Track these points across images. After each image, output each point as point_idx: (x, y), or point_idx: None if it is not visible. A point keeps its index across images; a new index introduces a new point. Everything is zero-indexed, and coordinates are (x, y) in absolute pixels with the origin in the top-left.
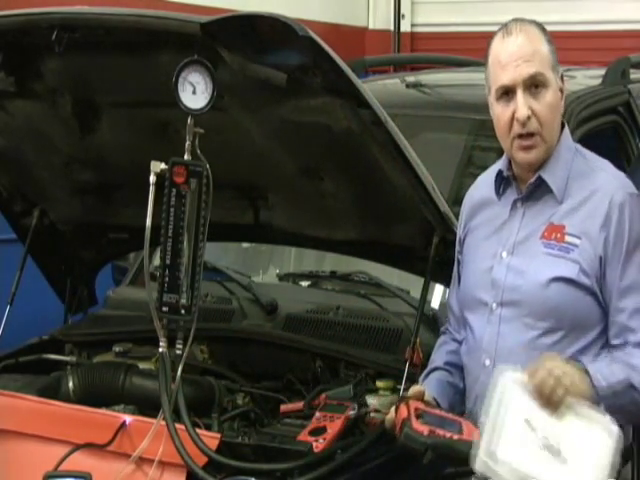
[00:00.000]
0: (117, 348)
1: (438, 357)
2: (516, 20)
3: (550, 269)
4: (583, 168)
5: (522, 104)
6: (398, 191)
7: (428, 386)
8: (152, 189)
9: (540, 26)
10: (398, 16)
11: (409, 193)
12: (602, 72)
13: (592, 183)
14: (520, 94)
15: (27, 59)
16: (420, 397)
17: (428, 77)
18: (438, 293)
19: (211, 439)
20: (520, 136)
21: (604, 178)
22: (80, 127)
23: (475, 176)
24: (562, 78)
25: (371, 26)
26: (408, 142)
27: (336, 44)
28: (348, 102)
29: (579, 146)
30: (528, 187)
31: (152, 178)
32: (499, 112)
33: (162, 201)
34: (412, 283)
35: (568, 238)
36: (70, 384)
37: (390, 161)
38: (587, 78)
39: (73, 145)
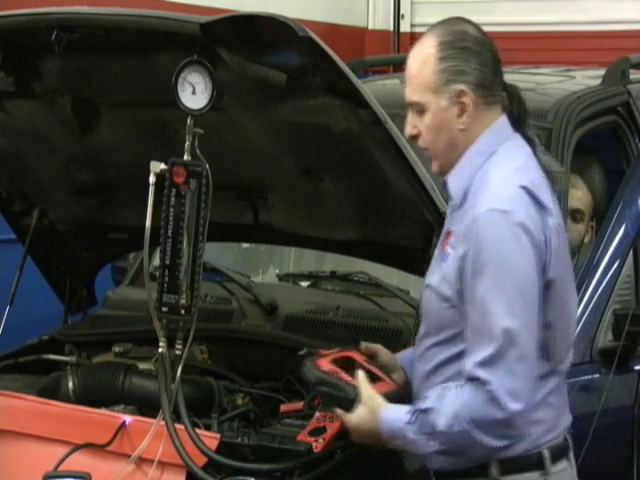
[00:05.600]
0: (117, 348)
1: None
2: (432, 25)
3: (429, 275)
4: (483, 176)
5: (407, 123)
6: (398, 191)
7: (402, 355)
8: (152, 189)
9: (442, 36)
10: (398, 16)
11: (409, 193)
12: (602, 72)
13: (477, 193)
14: (409, 113)
15: (27, 59)
16: (371, 353)
17: None
18: None
19: (211, 439)
20: None
21: (483, 189)
22: (80, 127)
23: None
24: (461, 93)
25: (371, 26)
26: (407, 142)
27: (336, 44)
28: (348, 102)
29: (501, 150)
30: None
31: (152, 178)
32: None
33: (162, 201)
34: (412, 283)
35: (447, 248)
36: (70, 384)
37: (390, 161)
38: (587, 78)
39: (73, 145)
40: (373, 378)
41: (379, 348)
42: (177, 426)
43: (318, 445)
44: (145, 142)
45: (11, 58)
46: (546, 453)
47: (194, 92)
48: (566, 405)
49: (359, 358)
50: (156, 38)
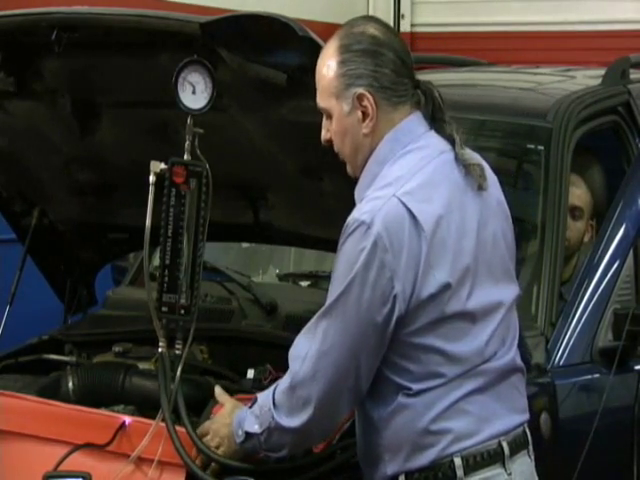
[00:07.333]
0: (117, 348)
1: None
2: (340, 29)
3: None
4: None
5: (322, 127)
6: None
7: None
8: (152, 189)
9: (342, 39)
10: (398, 16)
11: None
12: (602, 72)
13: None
14: (323, 119)
15: (27, 59)
16: None
17: (428, 77)
18: None
19: None
20: None
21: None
22: (80, 127)
23: None
24: (361, 97)
25: None
26: None
27: None
28: None
29: (398, 158)
30: None
31: (152, 178)
32: None
33: (162, 201)
34: None
35: None
36: (70, 384)
37: None
38: (587, 78)
39: (73, 145)
40: None
41: None
42: (177, 426)
43: (319, 445)
44: (145, 142)
45: (11, 58)
46: (458, 462)
47: (194, 92)
48: (498, 409)
49: None
50: (156, 38)
